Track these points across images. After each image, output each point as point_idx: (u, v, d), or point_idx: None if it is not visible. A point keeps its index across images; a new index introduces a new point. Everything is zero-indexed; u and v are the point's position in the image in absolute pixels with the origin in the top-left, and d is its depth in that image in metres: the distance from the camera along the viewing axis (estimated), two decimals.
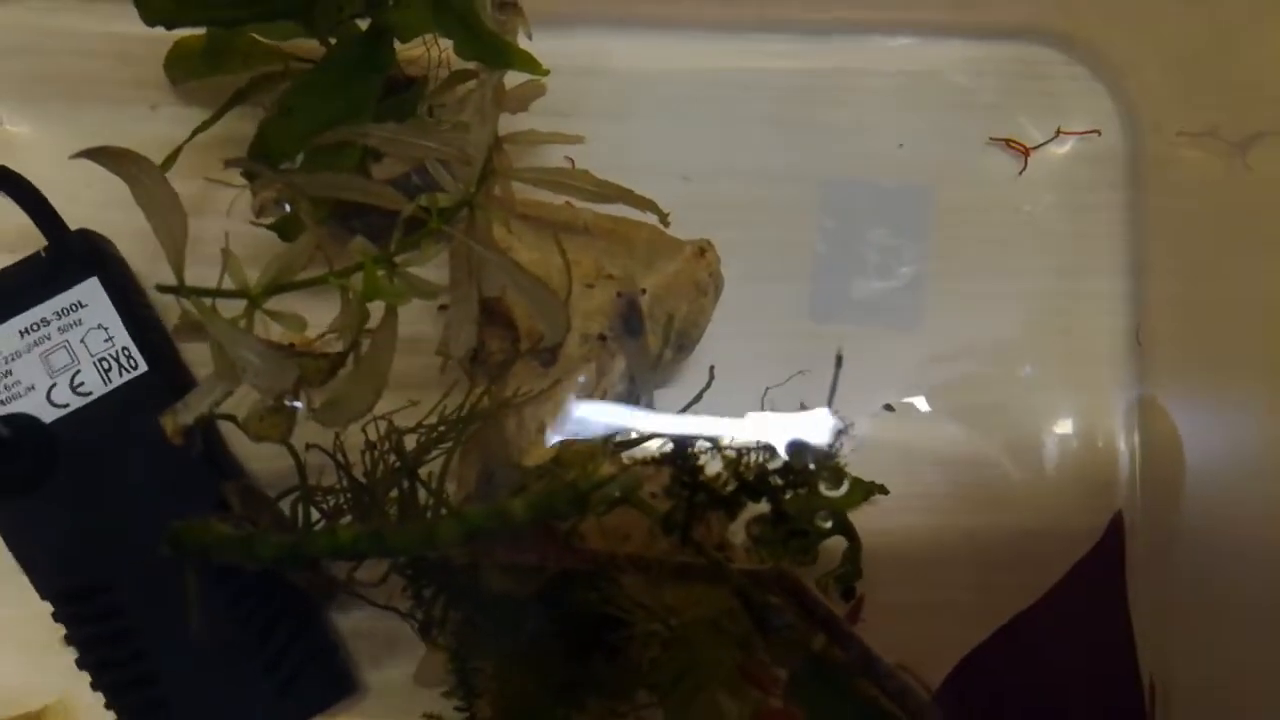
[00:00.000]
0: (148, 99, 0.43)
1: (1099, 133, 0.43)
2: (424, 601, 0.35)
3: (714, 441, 0.30)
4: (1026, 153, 0.43)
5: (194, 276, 0.35)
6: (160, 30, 0.41)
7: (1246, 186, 0.42)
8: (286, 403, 0.28)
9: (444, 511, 0.30)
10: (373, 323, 0.30)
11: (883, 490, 0.39)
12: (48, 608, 0.36)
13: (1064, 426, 0.42)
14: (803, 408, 0.33)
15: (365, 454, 0.31)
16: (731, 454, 0.30)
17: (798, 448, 0.29)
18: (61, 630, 0.36)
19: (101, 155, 0.28)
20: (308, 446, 0.32)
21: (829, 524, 0.29)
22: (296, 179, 0.29)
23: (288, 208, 0.28)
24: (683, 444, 0.29)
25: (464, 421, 0.32)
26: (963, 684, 0.26)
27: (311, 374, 0.28)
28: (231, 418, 0.30)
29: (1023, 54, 0.44)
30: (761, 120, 0.43)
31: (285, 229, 0.34)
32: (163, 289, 0.28)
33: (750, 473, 0.29)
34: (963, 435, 0.41)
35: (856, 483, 0.39)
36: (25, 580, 0.36)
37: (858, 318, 0.42)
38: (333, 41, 0.36)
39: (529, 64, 0.32)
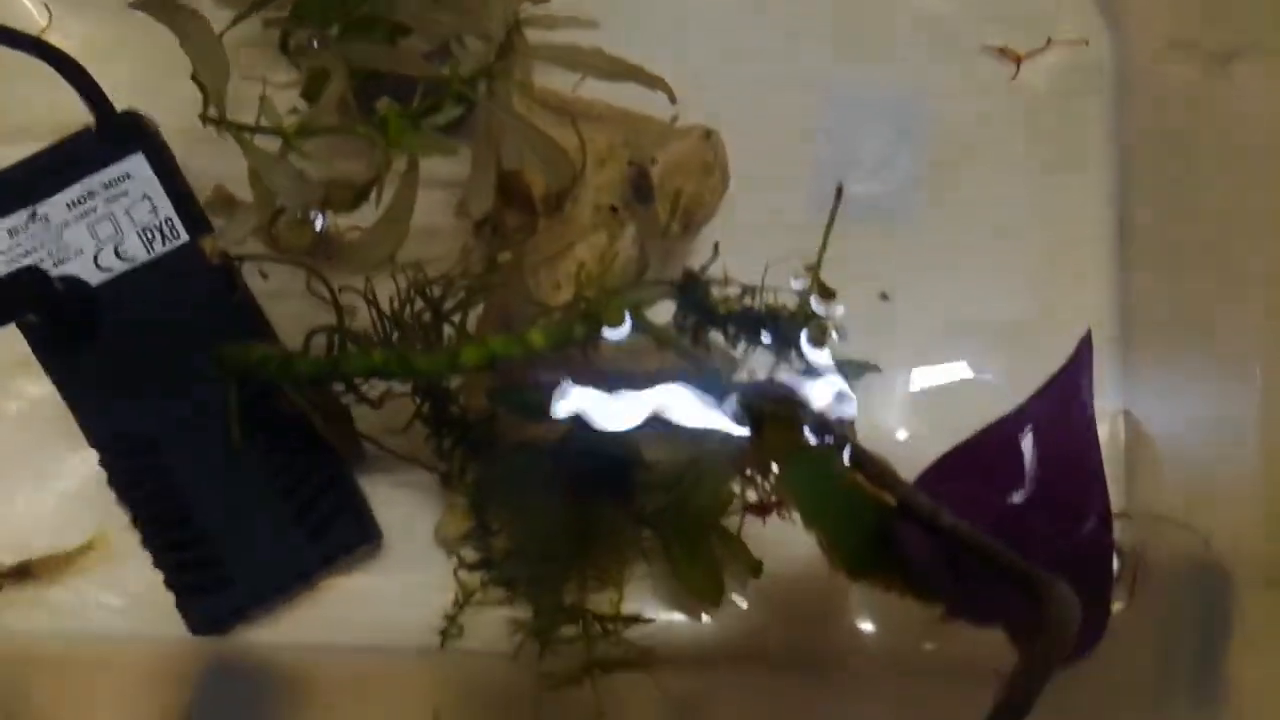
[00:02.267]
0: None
1: (1087, 43, 0.46)
2: (445, 452, 0.38)
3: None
4: (1018, 61, 0.45)
5: (223, 163, 0.39)
6: None
7: (1226, 97, 0.44)
8: (312, 216, 0.31)
9: None
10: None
11: (875, 369, 0.42)
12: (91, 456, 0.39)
13: (1049, 307, 0.44)
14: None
15: (392, 300, 0.34)
16: (736, 290, 0.32)
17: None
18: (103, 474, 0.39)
19: (152, 5, 0.31)
20: (339, 288, 0.34)
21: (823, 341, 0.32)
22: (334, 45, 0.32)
23: (315, 44, 0.30)
24: (690, 277, 0.31)
25: (485, 273, 0.34)
26: (935, 479, 0.28)
27: (338, 198, 0.30)
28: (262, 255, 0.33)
29: None
30: (768, 28, 0.46)
31: (312, 89, 0.36)
32: (206, 119, 0.30)
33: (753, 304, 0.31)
34: (951, 316, 0.44)
35: (851, 362, 0.41)
36: (71, 430, 0.39)
37: (855, 215, 0.44)
38: None
39: None
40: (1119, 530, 0.39)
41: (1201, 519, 0.41)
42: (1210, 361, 0.43)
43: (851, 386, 0.34)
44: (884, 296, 0.44)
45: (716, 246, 0.39)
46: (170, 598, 0.39)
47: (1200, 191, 0.45)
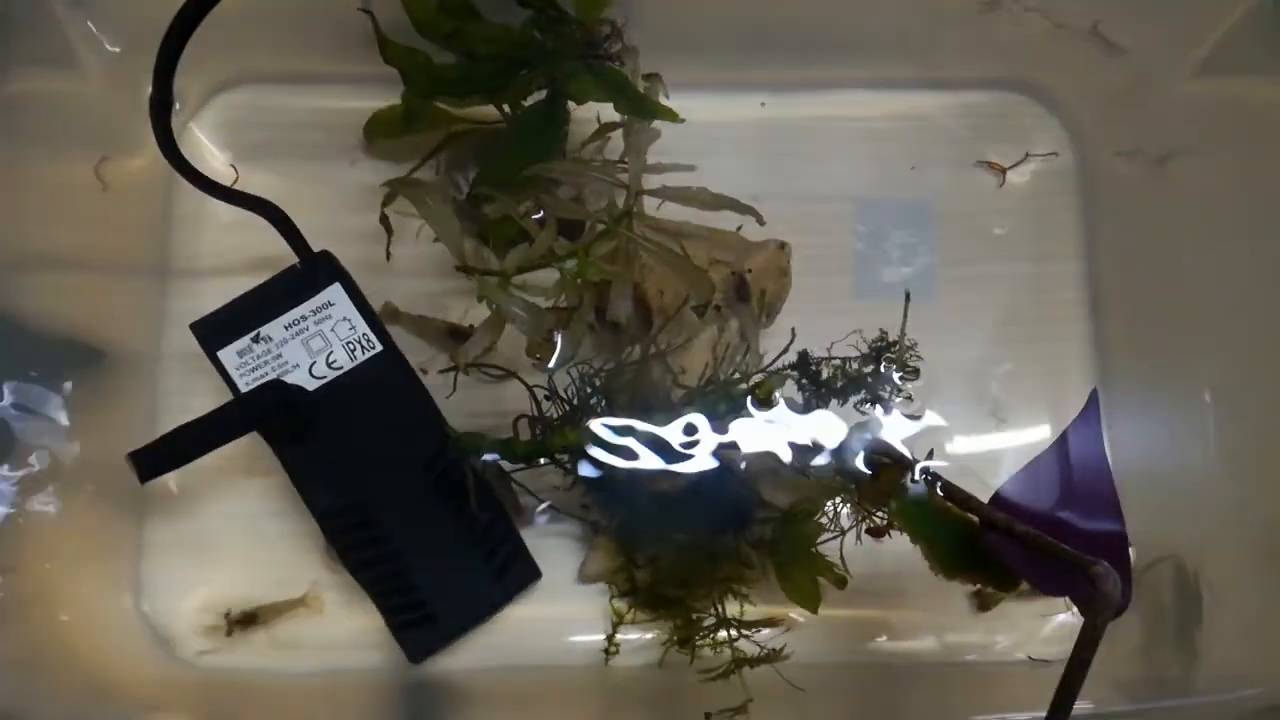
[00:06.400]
0: (347, 156, 0.56)
1: (1056, 154, 0.58)
2: (594, 504, 0.49)
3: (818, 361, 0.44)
4: (1004, 171, 0.58)
5: (405, 285, 0.50)
6: (352, 102, 0.56)
7: (1165, 189, 0.57)
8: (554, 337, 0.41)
9: None
10: None
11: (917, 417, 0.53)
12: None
13: (1035, 365, 0.56)
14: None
15: (569, 389, 0.44)
16: (836, 364, 0.43)
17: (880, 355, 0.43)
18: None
19: (398, 184, 0.42)
20: (530, 386, 0.45)
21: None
22: (544, 198, 0.43)
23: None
24: (805, 358, 0.42)
25: (633, 364, 0.45)
26: (998, 501, 0.39)
27: (559, 323, 0.41)
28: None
29: (997, 100, 0.59)
30: (807, 155, 0.58)
31: (495, 232, 0.47)
32: (459, 268, 0.41)
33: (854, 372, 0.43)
34: (967, 369, 0.56)
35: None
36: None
37: (888, 297, 0.56)
38: (506, 109, 0.50)
39: (670, 115, 0.46)
40: None
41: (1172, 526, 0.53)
42: (1170, 393, 0.55)
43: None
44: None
45: (793, 331, 0.51)
46: (366, 638, 0.49)
47: (1151, 262, 0.57)
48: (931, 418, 0.51)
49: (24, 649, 0.44)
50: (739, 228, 0.54)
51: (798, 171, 0.58)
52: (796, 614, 0.49)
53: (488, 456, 0.45)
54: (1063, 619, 0.52)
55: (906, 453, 0.41)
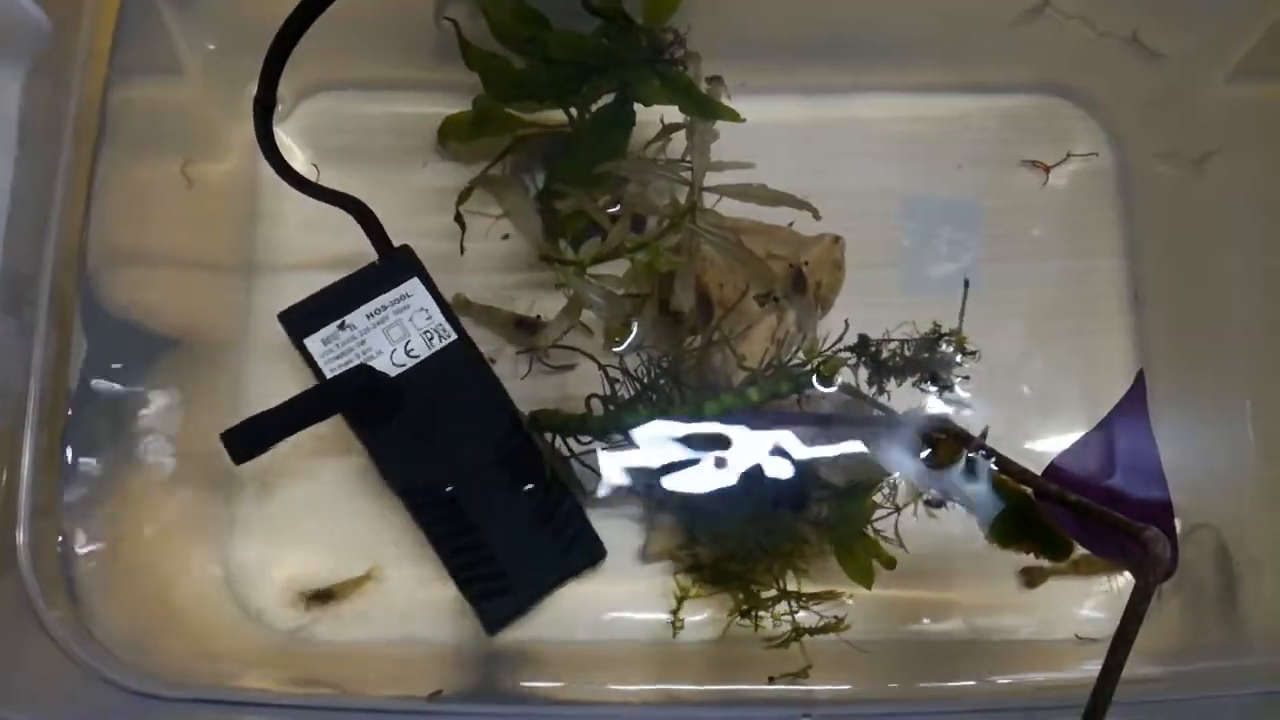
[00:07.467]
0: (420, 159, 0.60)
1: (1097, 154, 0.61)
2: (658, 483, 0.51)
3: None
4: (1047, 170, 0.60)
5: (473, 280, 0.53)
6: (425, 108, 0.59)
7: (1203, 189, 0.59)
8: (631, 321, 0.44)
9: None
10: None
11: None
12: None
13: (1077, 359, 0.58)
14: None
15: (639, 369, 0.47)
16: (895, 346, 0.46)
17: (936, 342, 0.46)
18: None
19: (484, 180, 0.44)
20: (601, 365, 0.48)
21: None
22: (622, 193, 0.46)
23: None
24: (865, 340, 0.45)
25: (696, 349, 0.48)
26: (1052, 474, 0.41)
27: (634, 310, 0.44)
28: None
29: (1038, 103, 0.61)
30: (856, 154, 0.61)
31: (566, 226, 0.50)
32: (542, 257, 0.44)
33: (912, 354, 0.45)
34: (1013, 357, 0.58)
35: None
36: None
37: (935, 291, 0.58)
38: (573, 112, 0.53)
39: (732, 115, 0.49)
40: None
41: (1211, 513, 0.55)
42: (1208, 388, 0.58)
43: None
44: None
45: (846, 322, 0.53)
46: (437, 612, 0.52)
47: (1190, 259, 0.60)
48: (975, 409, 0.54)
49: (133, 613, 0.47)
50: (791, 224, 0.57)
51: (844, 171, 0.60)
52: (849, 589, 0.52)
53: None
54: (1107, 598, 0.54)
55: (965, 426, 0.44)
